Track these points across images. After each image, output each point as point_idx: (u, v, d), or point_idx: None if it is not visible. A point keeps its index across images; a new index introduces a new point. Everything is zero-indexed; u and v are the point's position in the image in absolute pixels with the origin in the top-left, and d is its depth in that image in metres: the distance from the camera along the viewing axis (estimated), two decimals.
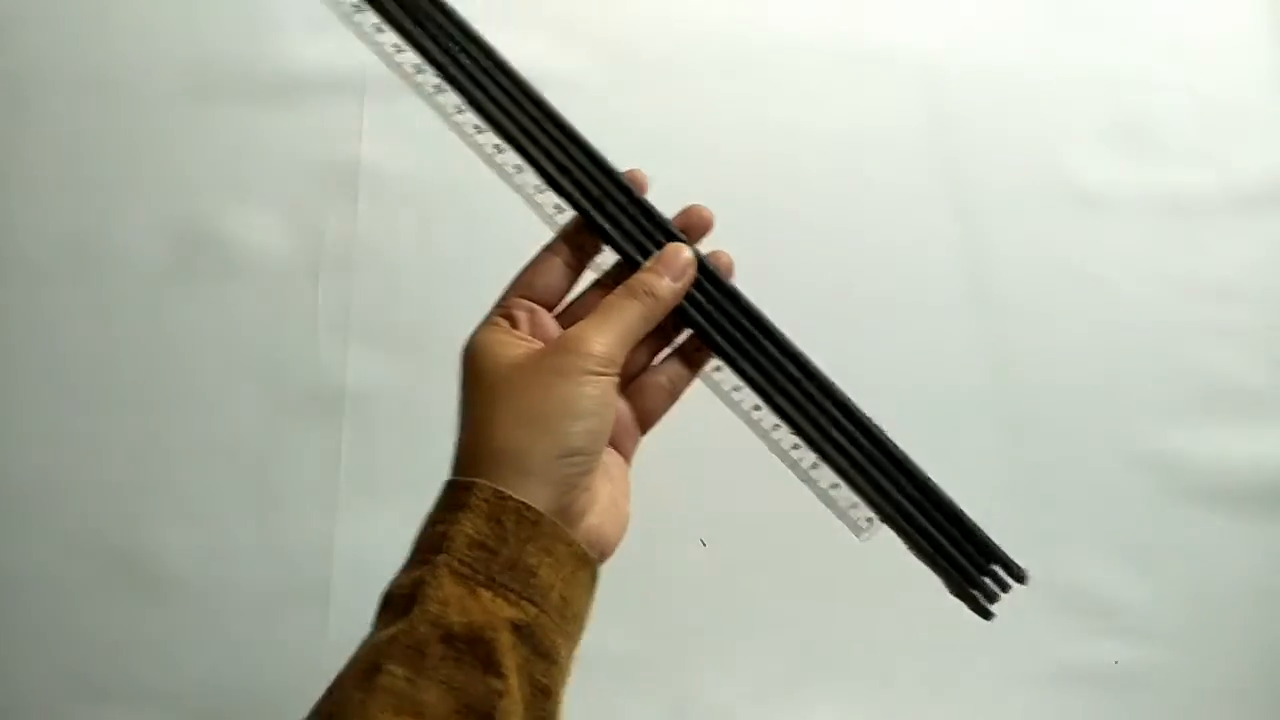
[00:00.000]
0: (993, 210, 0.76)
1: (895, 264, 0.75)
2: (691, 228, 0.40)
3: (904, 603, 0.70)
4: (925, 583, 0.75)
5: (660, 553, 0.69)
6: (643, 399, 0.40)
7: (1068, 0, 0.79)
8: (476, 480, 0.33)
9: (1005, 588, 0.40)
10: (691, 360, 0.40)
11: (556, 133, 0.40)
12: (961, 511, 0.40)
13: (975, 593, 0.40)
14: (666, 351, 0.41)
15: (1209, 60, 0.78)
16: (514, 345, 0.37)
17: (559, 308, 0.40)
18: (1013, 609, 0.74)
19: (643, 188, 0.40)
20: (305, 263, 0.74)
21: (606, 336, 0.36)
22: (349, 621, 0.72)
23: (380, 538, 0.73)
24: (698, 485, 0.68)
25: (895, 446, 0.40)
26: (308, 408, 0.73)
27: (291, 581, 0.71)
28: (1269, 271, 0.75)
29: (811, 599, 0.70)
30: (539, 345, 0.37)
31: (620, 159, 0.78)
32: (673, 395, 0.40)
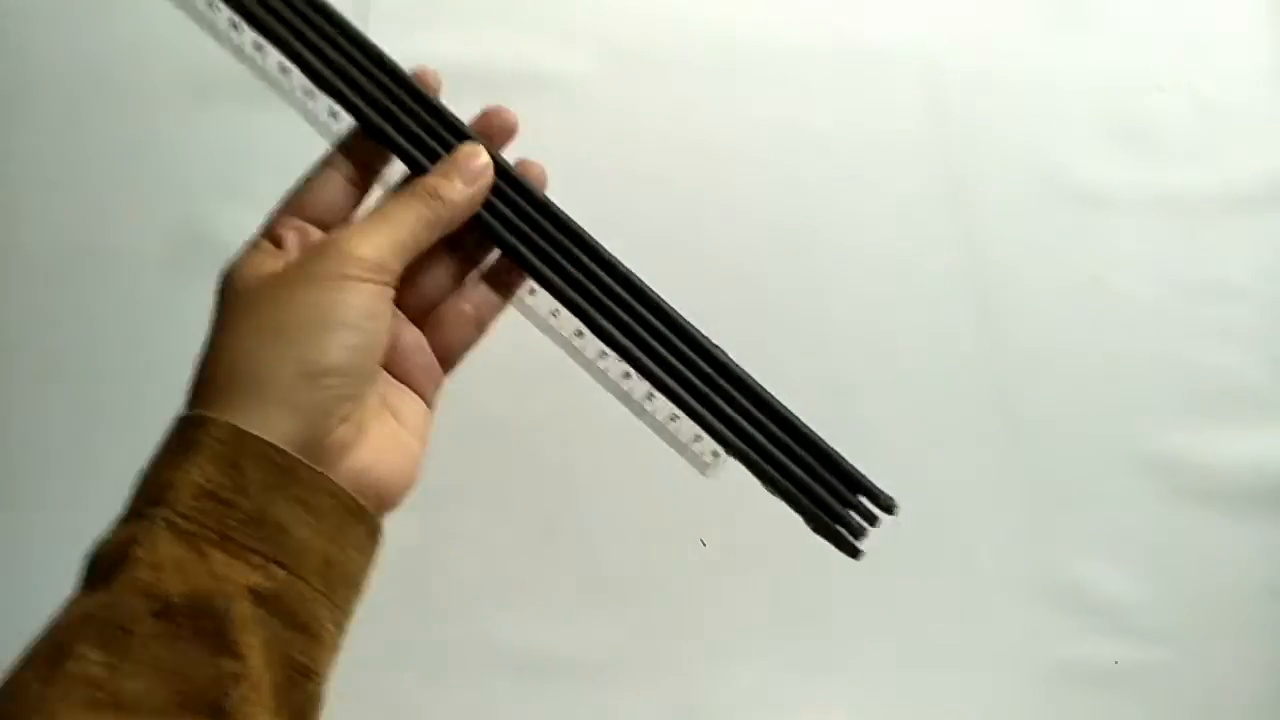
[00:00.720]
0: (992, 210, 0.76)
1: (894, 263, 0.75)
2: (493, 132, 0.35)
3: (904, 603, 0.70)
4: (926, 583, 0.75)
5: (659, 553, 0.69)
6: (442, 331, 0.35)
7: (1068, 1, 0.79)
8: (209, 415, 0.27)
9: (873, 520, 0.36)
10: (502, 283, 0.35)
11: (330, 29, 0.34)
12: (817, 437, 0.36)
13: (839, 529, 0.36)
14: (473, 275, 0.36)
15: (1209, 60, 0.78)
16: (269, 260, 0.31)
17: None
18: (1013, 609, 0.74)
19: (434, 88, 0.35)
20: None
21: (375, 239, 0.30)
22: (349, 621, 0.72)
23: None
24: (697, 485, 0.68)
25: (739, 368, 0.36)
26: None
27: None
28: (1269, 272, 0.75)
29: (811, 599, 0.69)
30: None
31: (619, 158, 0.79)
32: (479, 325, 0.35)
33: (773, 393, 0.36)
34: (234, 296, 0.30)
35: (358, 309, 0.29)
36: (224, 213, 0.75)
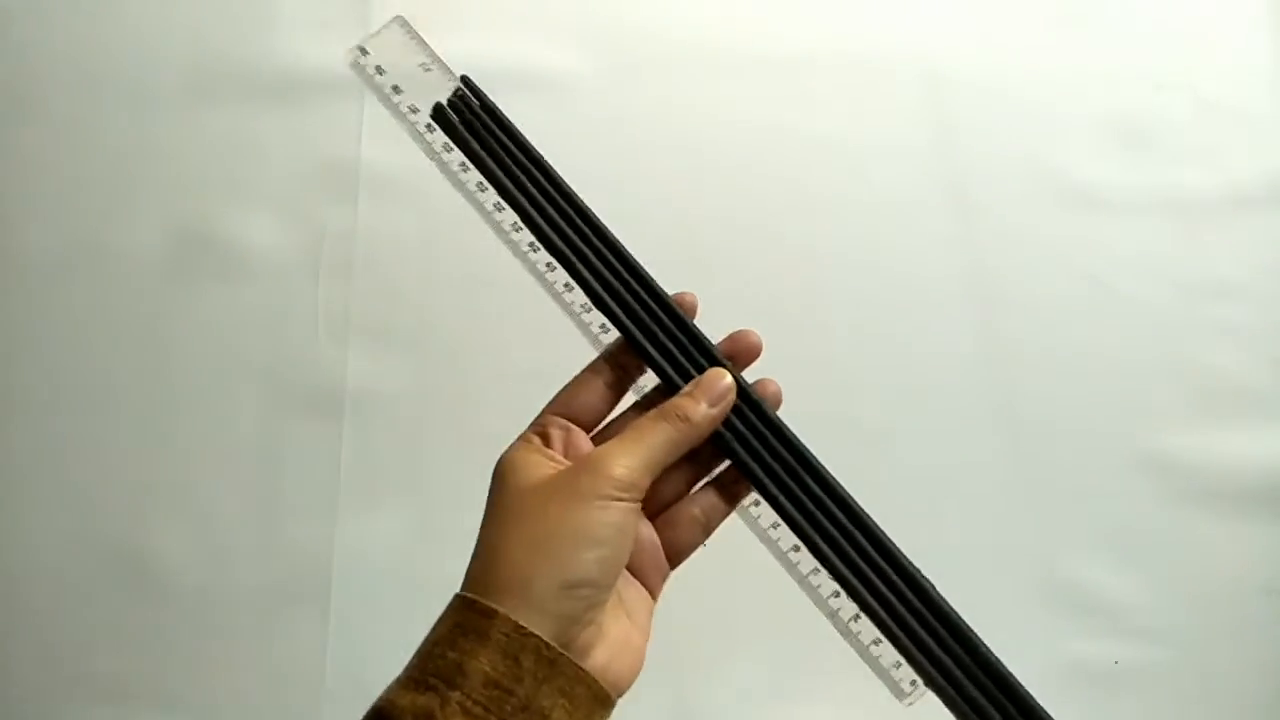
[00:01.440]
0: (993, 211, 0.76)
1: (895, 264, 0.75)
2: (739, 354, 0.39)
3: None
4: None
5: None
6: (673, 530, 0.38)
7: (1068, 2, 0.79)
8: (497, 610, 0.32)
9: None
10: (729, 493, 0.39)
11: (606, 252, 0.40)
12: (1015, 680, 0.37)
13: None
14: (703, 482, 0.39)
15: (1209, 60, 0.78)
16: (541, 465, 0.36)
17: (597, 429, 0.39)
18: (1013, 608, 0.74)
19: (691, 312, 0.40)
20: (305, 263, 0.74)
21: (630, 459, 0.34)
22: (349, 622, 0.73)
23: (380, 538, 0.73)
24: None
25: (945, 603, 0.38)
26: (308, 408, 0.73)
27: (291, 581, 0.71)
28: (1269, 271, 0.75)
29: (804, 602, 0.69)
30: (568, 465, 0.36)
31: (619, 159, 0.79)
32: (706, 529, 0.39)
33: (975, 631, 0.37)
34: (508, 493, 0.35)
35: (611, 526, 0.33)
36: (224, 212, 0.76)
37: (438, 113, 0.41)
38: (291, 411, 0.73)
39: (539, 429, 0.38)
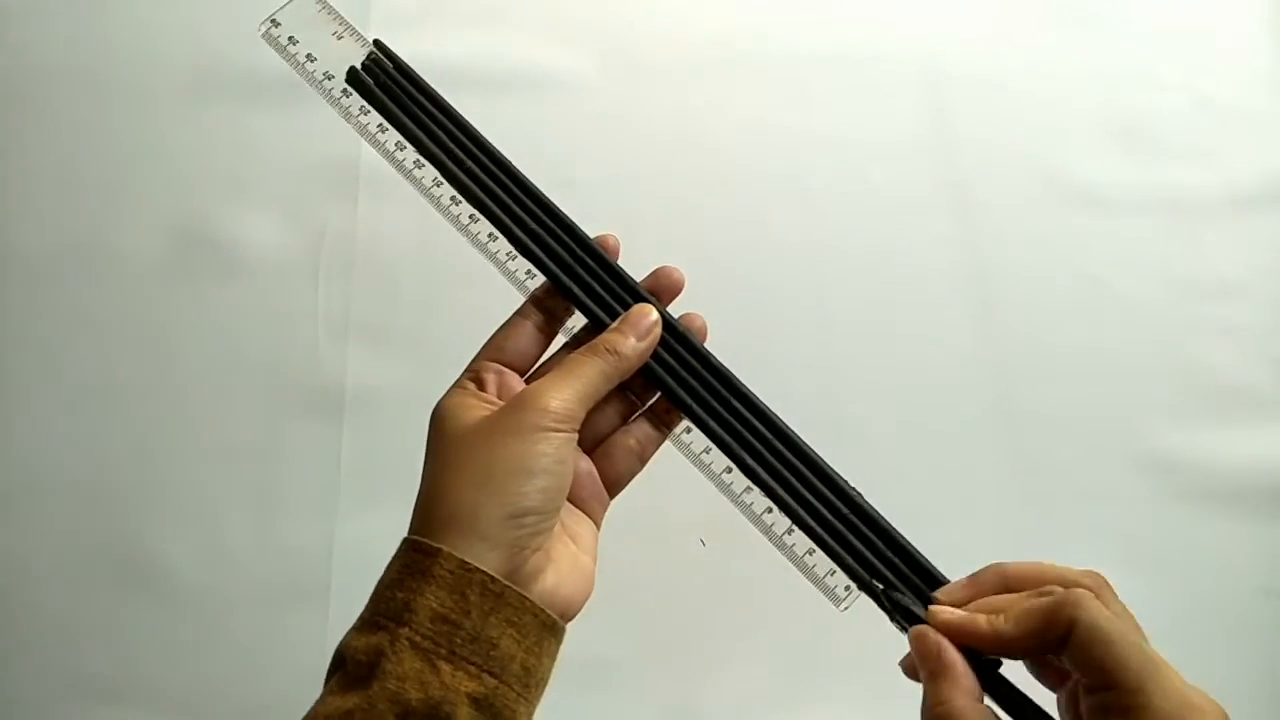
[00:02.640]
0: (993, 211, 0.76)
1: (896, 263, 0.75)
2: (662, 290, 0.41)
3: None
4: None
5: (660, 553, 0.69)
6: (610, 461, 0.40)
7: (1068, 1, 0.79)
8: (441, 548, 0.33)
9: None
10: (662, 422, 0.40)
11: (526, 200, 0.41)
12: (939, 574, 0.39)
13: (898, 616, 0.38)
14: (637, 414, 0.41)
15: (1209, 60, 0.78)
16: (477, 407, 0.37)
17: (530, 372, 0.40)
18: None
19: (614, 252, 0.41)
20: (305, 263, 0.74)
21: (564, 392, 0.35)
22: (349, 621, 0.72)
23: (380, 537, 0.73)
24: (698, 485, 0.68)
25: (873, 510, 0.39)
26: (307, 407, 0.73)
27: (291, 581, 0.71)
28: (1269, 271, 0.75)
29: (811, 599, 0.69)
30: (503, 404, 0.37)
31: (619, 159, 0.79)
32: (641, 457, 0.40)
33: (898, 529, 0.39)
34: (446, 438, 0.36)
35: (550, 457, 0.34)
36: (224, 212, 0.76)
37: (352, 76, 0.42)
38: (291, 411, 0.73)
39: (473, 375, 0.39)
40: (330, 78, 0.42)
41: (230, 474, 0.72)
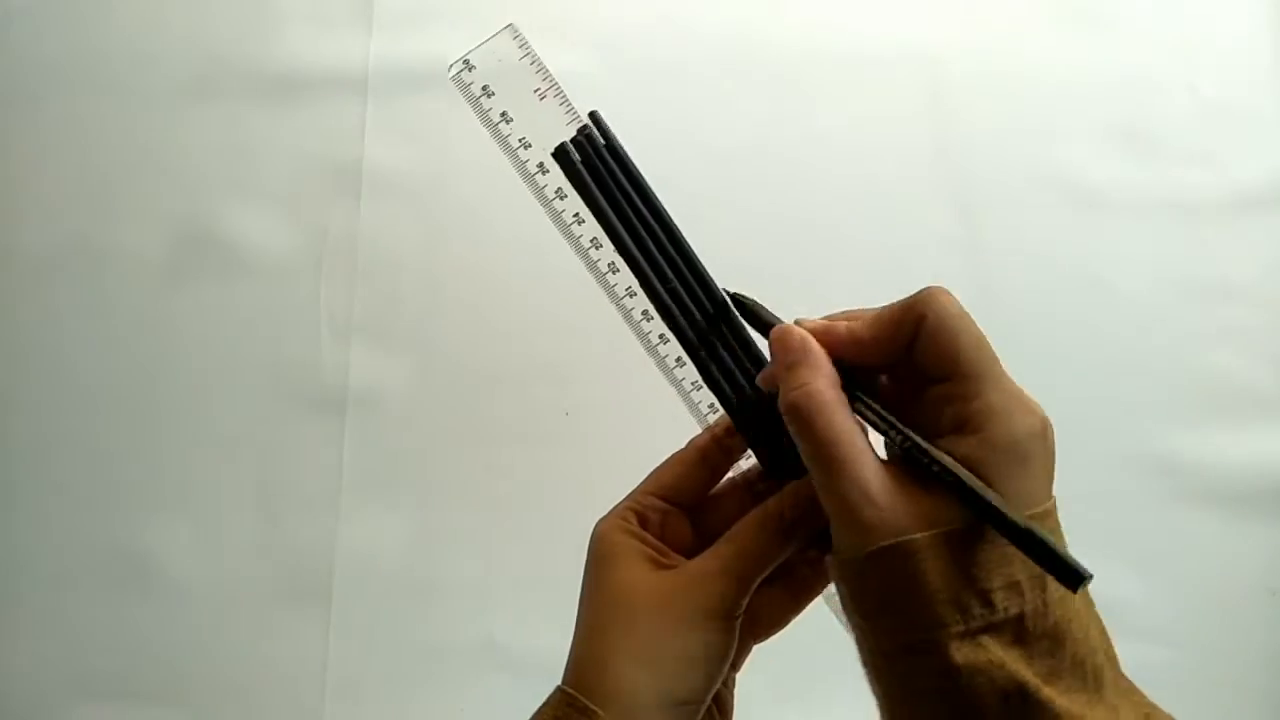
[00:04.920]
0: (994, 211, 0.76)
1: (897, 264, 0.75)
2: None
3: None
4: None
5: None
6: (757, 614, 0.37)
7: (1069, 2, 0.79)
8: (599, 712, 0.32)
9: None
10: (809, 584, 0.38)
11: (724, 329, 0.37)
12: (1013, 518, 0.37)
13: None
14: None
15: (1210, 60, 0.78)
16: (640, 557, 0.35)
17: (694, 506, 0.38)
18: None
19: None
20: (308, 261, 0.74)
21: (742, 580, 0.34)
22: (350, 621, 0.73)
23: (382, 537, 0.73)
24: None
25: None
26: (310, 406, 0.73)
27: (293, 581, 0.71)
28: (1271, 272, 0.75)
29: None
30: (666, 562, 0.35)
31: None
32: (794, 610, 0.39)
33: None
34: (610, 589, 0.35)
35: (715, 647, 0.34)
36: (227, 211, 0.76)
37: (561, 154, 0.35)
38: (294, 410, 0.73)
39: (636, 508, 0.37)
40: (527, 146, 0.36)
41: (232, 473, 0.72)
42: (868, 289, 0.74)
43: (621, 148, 0.37)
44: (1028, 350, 0.74)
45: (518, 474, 0.72)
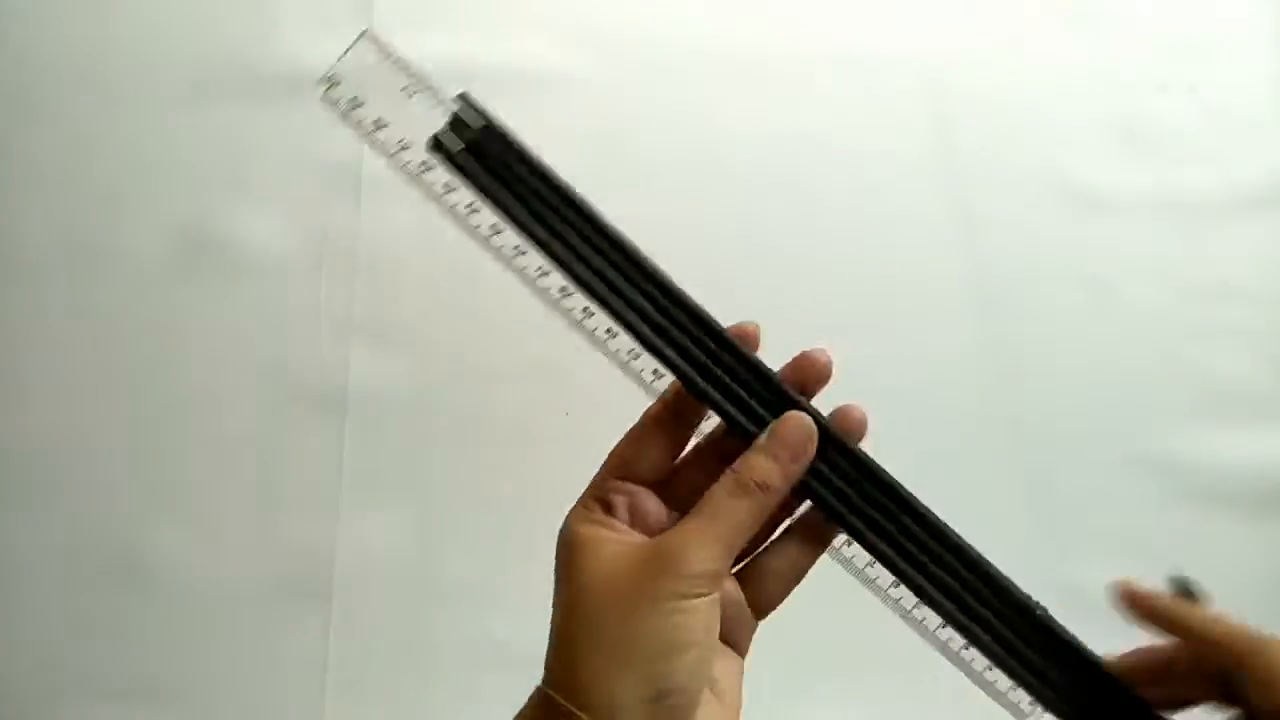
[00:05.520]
0: (995, 212, 0.76)
1: (897, 266, 0.75)
2: (808, 381, 0.35)
3: None
4: None
5: None
6: (759, 585, 0.35)
7: (1070, 4, 0.79)
8: (581, 716, 0.29)
9: None
10: (817, 536, 0.35)
11: (652, 289, 0.35)
12: (1129, 689, 0.37)
13: None
14: (785, 525, 0.36)
15: (1211, 61, 0.78)
16: (609, 542, 0.32)
17: (661, 480, 0.35)
18: None
19: (754, 343, 0.36)
20: (308, 261, 0.74)
21: (709, 548, 0.31)
22: (350, 620, 0.73)
23: (382, 536, 0.73)
24: None
25: (1051, 620, 0.36)
26: (310, 406, 0.73)
27: (293, 580, 0.71)
28: (1272, 273, 0.75)
29: (811, 599, 0.69)
30: (637, 541, 0.33)
31: (619, 160, 0.79)
32: (796, 578, 0.36)
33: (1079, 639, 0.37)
34: (579, 583, 0.32)
35: (697, 629, 0.30)
36: (226, 211, 0.76)
37: (435, 144, 0.34)
38: (294, 410, 0.73)
39: (598, 495, 0.34)
40: (406, 147, 0.34)
41: (232, 473, 0.72)
42: (867, 289, 0.75)
43: (501, 126, 0.34)
44: (1027, 350, 0.74)
45: (518, 474, 0.72)
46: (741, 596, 0.35)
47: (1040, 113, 0.77)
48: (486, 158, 0.34)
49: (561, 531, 0.34)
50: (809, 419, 0.34)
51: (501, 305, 0.72)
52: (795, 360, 0.36)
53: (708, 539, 0.31)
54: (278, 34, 0.77)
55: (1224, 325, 0.74)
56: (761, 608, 0.36)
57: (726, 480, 0.32)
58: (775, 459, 0.32)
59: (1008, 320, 0.74)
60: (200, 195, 0.76)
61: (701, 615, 0.30)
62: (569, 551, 0.33)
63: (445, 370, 0.73)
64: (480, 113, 0.34)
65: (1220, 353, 0.74)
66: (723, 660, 0.34)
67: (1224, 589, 0.72)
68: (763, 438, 0.33)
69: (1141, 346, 0.74)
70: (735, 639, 0.35)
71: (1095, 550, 0.71)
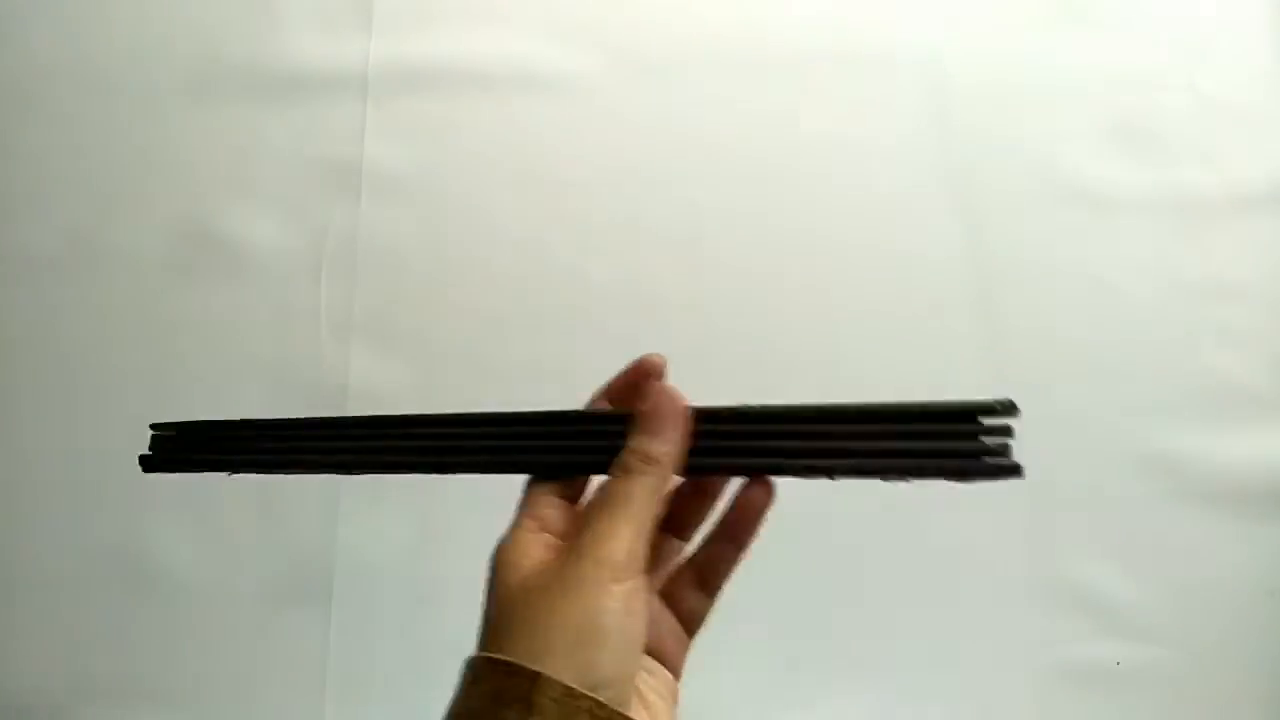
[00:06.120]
0: (995, 211, 0.76)
1: (898, 265, 0.75)
2: (651, 377, 0.36)
3: (904, 602, 0.70)
4: (926, 584, 0.75)
5: None
6: (682, 597, 0.35)
7: (1069, 2, 0.79)
8: (540, 672, 0.28)
9: (1007, 431, 0.35)
10: (730, 535, 0.36)
11: (427, 430, 0.38)
12: (902, 407, 0.37)
13: (985, 461, 0.35)
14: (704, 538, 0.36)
15: (1211, 61, 0.78)
16: (537, 547, 0.32)
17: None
18: (1015, 609, 0.74)
19: (658, 371, 0.36)
20: (308, 261, 0.74)
21: (618, 531, 0.31)
22: (350, 621, 0.72)
23: (382, 537, 0.73)
24: None
25: (778, 406, 0.36)
26: (310, 406, 0.73)
27: (293, 581, 0.71)
28: (1270, 272, 0.75)
29: (811, 598, 0.69)
30: (558, 542, 0.33)
31: (619, 159, 0.79)
32: (710, 592, 0.36)
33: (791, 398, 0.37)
34: (502, 586, 0.32)
35: (616, 612, 0.30)
36: (228, 211, 0.76)
37: (146, 462, 0.40)
38: (294, 410, 0.72)
39: (532, 514, 0.34)
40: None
41: None
42: (868, 287, 0.75)
43: (198, 424, 0.40)
44: (1027, 350, 0.74)
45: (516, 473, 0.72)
46: (669, 614, 0.35)
47: (1040, 110, 0.77)
48: (197, 445, 0.40)
49: (493, 552, 0.34)
50: (670, 390, 0.34)
51: (502, 305, 0.72)
52: (631, 367, 0.37)
53: (617, 522, 0.31)
54: (278, 34, 0.77)
55: (1222, 323, 0.74)
56: (690, 622, 0.36)
57: (617, 466, 0.32)
58: (652, 432, 0.33)
59: (1006, 318, 0.74)
60: (201, 195, 0.76)
61: (621, 599, 0.30)
62: (497, 565, 0.33)
63: (445, 371, 0.73)
64: (170, 424, 0.40)
65: (1220, 352, 0.74)
66: (653, 680, 0.34)
67: (1224, 588, 0.72)
68: (636, 424, 0.33)
69: (1140, 344, 0.74)
70: (669, 657, 0.35)
71: (1094, 549, 0.71)
